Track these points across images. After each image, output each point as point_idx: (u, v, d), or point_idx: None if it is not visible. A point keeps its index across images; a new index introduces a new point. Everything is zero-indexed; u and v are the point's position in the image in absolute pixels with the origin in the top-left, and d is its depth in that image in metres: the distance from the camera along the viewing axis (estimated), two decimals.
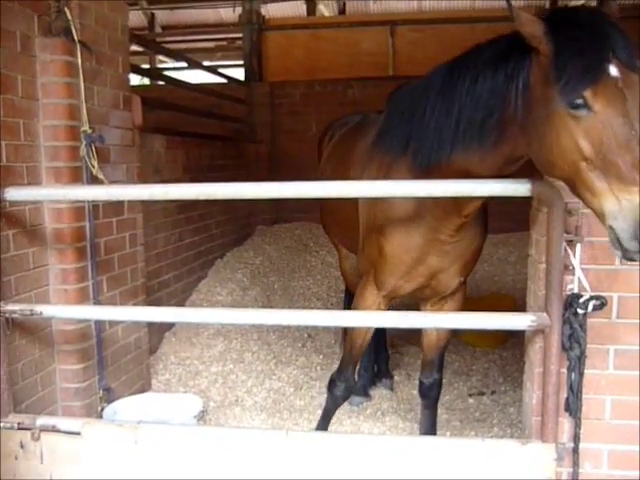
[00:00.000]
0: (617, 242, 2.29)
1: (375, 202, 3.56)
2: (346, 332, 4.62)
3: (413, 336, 6.16)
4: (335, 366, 5.55)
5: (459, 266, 3.62)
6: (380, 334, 5.36)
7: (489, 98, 2.70)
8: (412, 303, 6.83)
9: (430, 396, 4.11)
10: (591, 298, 2.73)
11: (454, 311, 3.81)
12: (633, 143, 2.26)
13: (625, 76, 2.32)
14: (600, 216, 2.33)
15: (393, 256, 3.51)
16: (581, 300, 2.73)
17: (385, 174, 3.46)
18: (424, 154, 3.05)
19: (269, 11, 14.89)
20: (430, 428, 4.14)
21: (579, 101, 2.31)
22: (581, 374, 2.80)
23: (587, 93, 2.30)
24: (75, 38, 3.97)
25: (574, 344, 2.77)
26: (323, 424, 4.24)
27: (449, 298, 3.85)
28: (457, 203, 3.14)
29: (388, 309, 3.83)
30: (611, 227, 2.29)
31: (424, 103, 3.04)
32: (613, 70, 2.31)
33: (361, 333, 3.88)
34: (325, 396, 4.24)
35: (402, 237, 3.45)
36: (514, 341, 5.99)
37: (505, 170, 2.87)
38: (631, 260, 2.34)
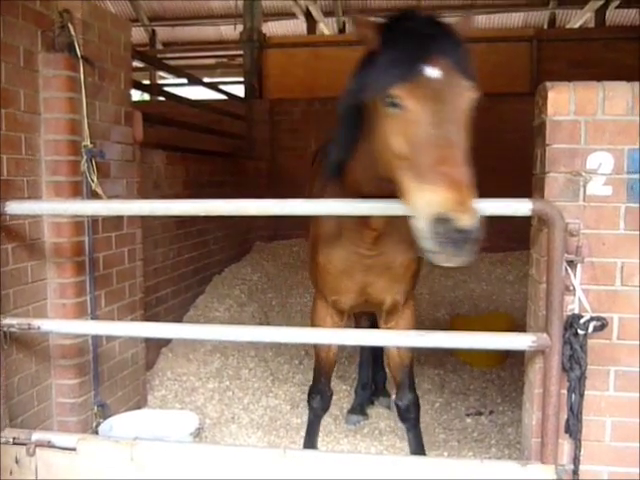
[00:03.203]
0: (421, 238, 2.26)
1: (312, 219, 3.74)
2: (362, 349, 4.79)
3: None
4: (333, 384, 5.55)
5: (387, 281, 3.63)
6: (378, 352, 5.35)
7: (356, 116, 2.79)
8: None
9: (409, 418, 4.05)
10: (592, 319, 2.73)
11: (406, 329, 3.78)
12: (438, 143, 2.27)
13: (441, 77, 2.35)
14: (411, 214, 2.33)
15: (324, 270, 3.66)
16: (582, 321, 2.73)
17: (322, 192, 3.59)
18: (327, 167, 3.29)
19: (270, 29, 15.02)
20: (418, 449, 4.09)
21: (392, 99, 2.36)
22: (581, 395, 2.79)
23: (397, 90, 2.34)
24: (78, 54, 3.98)
25: (574, 365, 2.76)
26: (309, 438, 4.23)
27: (398, 317, 3.82)
28: (364, 216, 3.23)
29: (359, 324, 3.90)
30: (413, 225, 2.29)
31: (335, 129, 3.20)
32: (429, 71, 2.35)
33: (324, 347, 3.98)
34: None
35: (329, 251, 3.59)
36: (512, 361, 5.98)
37: (386, 189, 2.71)
38: (431, 257, 2.28)
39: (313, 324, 3.94)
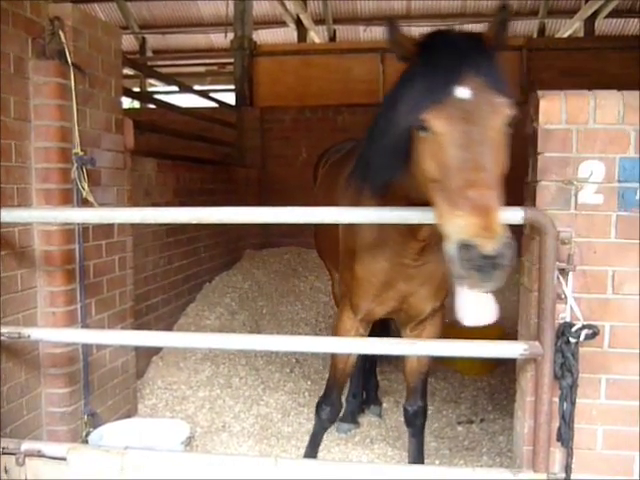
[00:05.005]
0: (450, 263, 2.25)
1: (349, 228, 3.61)
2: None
3: (402, 363, 6.15)
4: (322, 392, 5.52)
5: (429, 290, 3.60)
6: (369, 361, 5.34)
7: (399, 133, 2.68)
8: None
9: (416, 424, 4.07)
10: (583, 327, 2.73)
11: (433, 336, 3.81)
12: (465, 166, 2.25)
13: (472, 97, 2.32)
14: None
15: (363, 280, 3.56)
16: (573, 329, 2.73)
17: (356, 201, 3.47)
18: (370, 183, 3.12)
19: (260, 37, 15.05)
20: (418, 457, 4.10)
21: (422, 123, 2.34)
22: (573, 403, 2.78)
23: (426, 115, 2.33)
24: (68, 61, 3.97)
25: (566, 373, 2.76)
26: (311, 449, 4.22)
27: (427, 323, 3.81)
28: (410, 227, 3.15)
29: (371, 334, 3.85)
30: (445, 250, 2.27)
31: (366, 138, 3.12)
32: (459, 91, 2.32)
33: (343, 358, 3.92)
34: (313, 422, 4.22)
35: (370, 261, 3.50)
36: (502, 369, 5.99)
37: None
38: (459, 283, 2.31)
39: (337, 335, 3.84)
